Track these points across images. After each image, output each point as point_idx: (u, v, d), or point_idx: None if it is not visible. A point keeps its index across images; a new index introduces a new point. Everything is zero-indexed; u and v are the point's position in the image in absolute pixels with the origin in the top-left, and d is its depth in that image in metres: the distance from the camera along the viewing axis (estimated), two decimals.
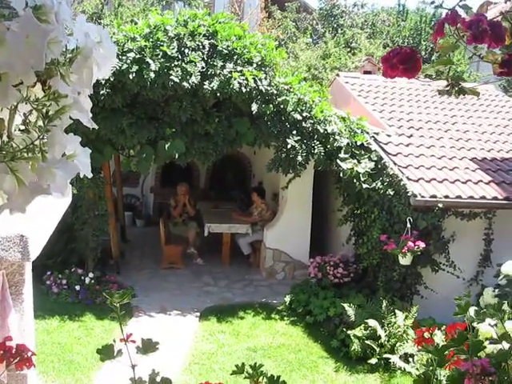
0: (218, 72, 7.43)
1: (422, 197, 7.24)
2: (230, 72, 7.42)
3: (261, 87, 7.61)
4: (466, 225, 7.64)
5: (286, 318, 8.08)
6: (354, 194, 8.29)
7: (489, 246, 7.85)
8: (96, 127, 1.08)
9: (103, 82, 7.13)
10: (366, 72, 12.71)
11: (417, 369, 6.50)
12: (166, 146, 7.63)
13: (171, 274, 9.61)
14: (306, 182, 9.26)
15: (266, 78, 7.73)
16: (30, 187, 0.93)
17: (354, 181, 8.01)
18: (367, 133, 8.56)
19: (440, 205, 7.23)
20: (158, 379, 1.46)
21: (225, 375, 6.37)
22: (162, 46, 7.27)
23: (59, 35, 0.88)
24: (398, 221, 7.53)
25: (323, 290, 8.27)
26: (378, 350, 6.76)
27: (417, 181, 7.56)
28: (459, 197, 7.38)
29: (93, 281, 8.29)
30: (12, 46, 0.84)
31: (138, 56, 7.18)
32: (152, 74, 7.11)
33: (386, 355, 6.69)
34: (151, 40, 7.33)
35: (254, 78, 7.52)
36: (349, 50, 18.34)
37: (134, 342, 1.49)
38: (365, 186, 7.94)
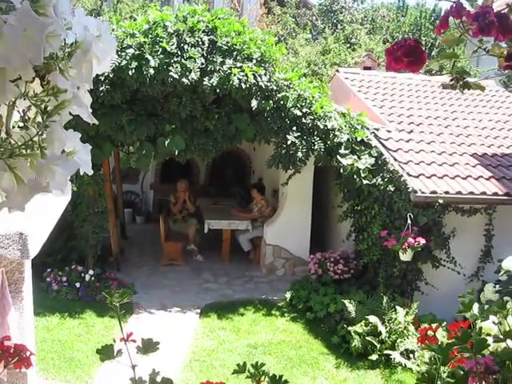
0: (217, 68, 7.40)
1: (423, 193, 7.23)
2: (230, 68, 7.40)
3: (260, 83, 7.59)
4: (467, 221, 7.63)
5: (286, 315, 8.08)
6: (355, 190, 8.28)
7: (489, 242, 7.85)
8: (96, 122, 1.06)
9: (102, 78, 7.11)
10: (365, 68, 12.69)
11: (417, 365, 6.51)
12: (166, 142, 7.62)
13: (171, 270, 9.60)
14: (306, 178, 9.24)
15: (265, 74, 7.71)
16: (28, 185, 0.90)
17: (355, 177, 8.00)
18: (367, 128, 8.54)
19: (440, 201, 7.22)
20: (159, 379, 1.45)
21: (225, 372, 6.37)
22: (162, 42, 7.25)
23: (58, 29, 0.86)
24: (398, 217, 7.52)
25: (323, 287, 8.26)
26: (378, 346, 6.76)
27: (417, 177, 7.55)
28: (459, 192, 7.37)
29: (93, 278, 8.28)
30: (9, 40, 0.81)
31: (137, 52, 7.16)
32: (151, 71, 7.09)
33: (386, 351, 6.69)
34: (150, 36, 7.30)
35: (253, 74, 7.49)
36: (348, 45, 18.29)
37: (134, 341, 1.47)
38: (365, 181, 7.93)
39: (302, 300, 8.12)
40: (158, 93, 7.44)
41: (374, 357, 6.68)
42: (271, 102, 7.78)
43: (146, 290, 8.63)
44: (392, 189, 7.60)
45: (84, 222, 8.46)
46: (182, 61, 7.28)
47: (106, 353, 1.43)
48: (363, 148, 8.28)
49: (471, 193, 7.39)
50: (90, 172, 1.02)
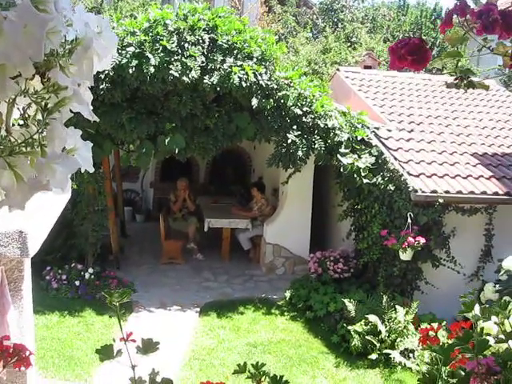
0: (217, 66, 7.39)
1: (423, 192, 7.22)
2: (230, 66, 7.39)
3: (261, 82, 7.57)
4: (467, 220, 7.62)
5: (286, 314, 8.07)
6: (355, 189, 8.27)
7: (489, 242, 7.84)
8: (97, 119, 1.05)
9: (103, 76, 7.10)
10: (366, 67, 12.67)
11: (417, 364, 6.51)
12: (166, 140, 7.61)
13: (171, 269, 9.60)
14: (307, 177, 9.23)
15: (266, 73, 7.69)
16: (28, 183, 0.89)
17: (355, 176, 7.99)
18: (368, 127, 8.53)
19: (441, 200, 7.21)
20: (159, 379, 1.44)
21: (225, 371, 6.36)
22: (162, 40, 7.23)
23: (58, 25, 0.85)
24: (398, 216, 7.51)
25: (323, 286, 8.26)
26: (378, 345, 6.75)
27: (417, 176, 7.54)
28: (460, 192, 7.36)
29: (92, 276, 8.27)
30: (9, 36, 0.80)
31: (137, 50, 7.14)
32: (152, 69, 7.07)
33: (386, 351, 6.69)
34: (151, 34, 7.29)
35: (254, 73, 7.48)
36: (349, 44, 18.28)
37: (134, 341, 1.47)
38: (365, 181, 7.92)
39: (302, 299, 8.11)
40: (159, 91, 7.43)
41: (373, 356, 6.67)
42: (271, 100, 7.77)
43: (146, 288, 8.63)
44: (392, 188, 7.59)
45: (84, 220, 8.46)
46: (183, 59, 7.27)
47: (106, 353, 1.42)
48: (363, 147, 8.27)
49: (472, 192, 7.39)
50: (91, 169, 1.01)
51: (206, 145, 7.92)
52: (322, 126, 8.09)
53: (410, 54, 1.37)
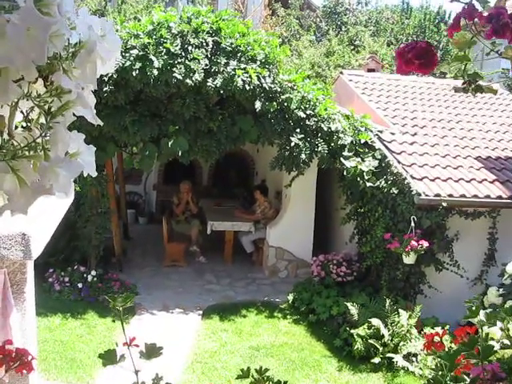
0: (221, 69, 7.39)
1: (426, 195, 7.20)
2: (234, 69, 7.39)
3: (264, 85, 7.57)
4: (470, 224, 7.60)
5: (288, 317, 8.06)
6: (358, 192, 8.26)
7: (493, 245, 7.82)
8: (101, 123, 1.04)
9: (106, 79, 7.11)
10: (369, 70, 12.66)
11: (420, 368, 6.48)
12: (169, 143, 7.61)
13: (174, 271, 9.59)
14: (310, 180, 9.22)
15: (269, 76, 7.69)
16: (31, 187, 0.89)
17: (358, 179, 7.98)
18: (371, 131, 8.52)
19: (444, 204, 7.19)
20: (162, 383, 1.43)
21: (227, 374, 6.35)
22: (166, 43, 7.24)
23: (62, 28, 0.84)
24: (401, 219, 7.49)
25: (326, 289, 8.24)
26: (381, 349, 6.73)
27: (421, 179, 7.52)
28: (463, 196, 7.34)
29: (95, 278, 8.27)
30: (12, 39, 0.80)
31: (141, 53, 7.15)
32: (155, 71, 7.07)
33: (389, 354, 6.66)
34: (154, 37, 7.30)
35: (257, 76, 7.48)
36: (352, 47, 18.29)
37: (137, 346, 1.46)
38: (368, 184, 7.90)
39: (305, 302, 8.10)
40: (162, 94, 7.43)
41: (376, 360, 6.65)
42: (275, 103, 7.77)
43: (149, 290, 8.62)
44: (395, 191, 7.57)
45: (87, 223, 8.46)
46: (186, 62, 7.27)
47: (109, 358, 1.42)
48: (367, 150, 8.26)
49: (475, 196, 7.37)
50: (94, 174, 1.00)
51: (209, 147, 7.92)
52: (325, 129, 8.08)
53: (418, 57, 1.36)
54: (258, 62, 7.63)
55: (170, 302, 8.24)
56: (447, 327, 6.98)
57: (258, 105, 7.62)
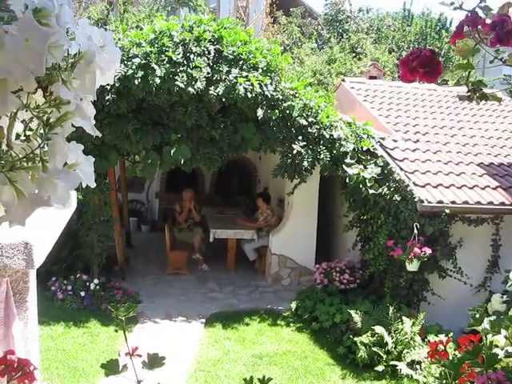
0: (223, 77, 7.41)
1: (429, 202, 7.19)
2: (236, 77, 7.40)
3: (266, 92, 7.59)
4: (473, 230, 7.58)
5: (291, 325, 8.03)
6: (360, 199, 8.25)
7: (496, 252, 7.79)
8: (99, 135, 1.03)
9: (108, 87, 7.12)
10: (371, 77, 12.67)
11: (424, 376, 6.45)
12: (172, 151, 7.62)
13: (176, 279, 9.58)
14: (312, 187, 9.22)
15: (271, 84, 7.71)
16: (29, 199, 0.88)
17: (360, 186, 7.97)
18: (373, 138, 8.52)
19: (447, 210, 7.18)
20: None
21: (230, 382, 6.32)
22: (168, 51, 7.26)
23: (60, 39, 0.84)
24: (404, 226, 7.48)
25: (329, 297, 8.21)
26: (384, 356, 6.70)
27: (423, 186, 7.51)
28: (466, 202, 7.32)
29: (98, 287, 8.26)
30: (11, 50, 0.79)
31: (143, 61, 7.17)
32: (157, 80, 7.10)
33: (392, 362, 6.63)
34: (157, 45, 7.32)
35: (259, 84, 7.49)
36: (354, 55, 18.31)
37: (139, 356, 1.45)
38: (371, 191, 7.90)
39: (308, 310, 8.07)
40: (164, 102, 7.45)
41: (380, 368, 6.62)
42: (277, 111, 7.78)
43: (151, 298, 8.61)
44: (398, 198, 7.56)
45: (89, 231, 8.46)
46: (188, 70, 7.29)
47: (111, 367, 1.41)
48: (369, 157, 8.26)
49: (478, 202, 7.35)
50: (93, 184, 1.00)
51: (211, 155, 7.92)
52: (327, 136, 8.08)
53: (422, 66, 1.36)
54: (260, 70, 7.65)
55: (172, 310, 8.22)
56: (451, 334, 6.95)
57: (259, 112, 7.63)
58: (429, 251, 6.99)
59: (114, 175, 8.96)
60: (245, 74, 7.50)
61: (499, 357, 1.55)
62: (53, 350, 6.76)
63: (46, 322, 7.31)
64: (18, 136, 0.96)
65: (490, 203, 7.38)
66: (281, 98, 7.83)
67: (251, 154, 11.05)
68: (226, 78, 7.41)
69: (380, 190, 7.87)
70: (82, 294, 8.14)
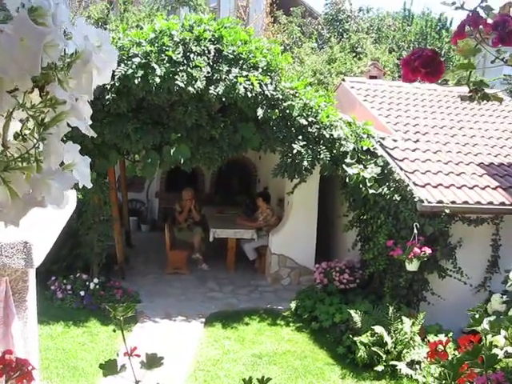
0: (223, 77, 7.40)
1: (429, 202, 7.18)
2: (236, 77, 7.40)
3: (266, 92, 7.58)
4: (473, 230, 7.58)
5: (291, 324, 8.03)
6: (360, 199, 8.24)
7: (496, 252, 7.79)
8: (95, 135, 1.03)
9: (108, 86, 7.12)
10: (371, 77, 12.67)
11: (424, 376, 6.45)
12: (172, 151, 7.61)
13: (176, 279, 9.58)
14: (312, 187, 9.21)
15: (271, 83, 7.70)
16: (23, 199, 0.87)
17: (360, 186, 7.96)
18: (373, 138, 8.52)
19: (447, 210, 7.17)
20: None
21: (230, 382, 6.32)
22: (168, 50, 7.26)
23: (56, 38, 0.84)
24: (404, 226, 7.47)
25: (329, 296, 8.21)
26: (384, 356, 6.70)
27: (423, 186, 7.51)
28: (466, 202, 7.32)
29: (98, 286, 8.26)
30: (5, 50, 0.79)
31: (143, 61, 7.16)
32: (157, 79, 7.09)
33: (392, 362, 6.63)
34: (157, 45, 7.31)
35: (259, 83, 7.49)
36: (354, 54, 18.30)
37: (138, 356, 1.45)
38: (371, 191, 7.89)
39: (308, 310, 8.07)
40: (164, 101, 7.45)
41: (379, 368, 6.62)
42: (277, 110, 7.77)
43: (151, 298, 8.60)
44: (398, 198, 7.56)
45: (89, 230, 8.45)
46: (188, 69, 7.28)
47: (110, 368, 1.40)
48: (369, 157, 8.26)
49: (478, 202, 7.35)
50: (89, 185, 0.99)
51: (211, 155, 7.92)
52: (327, 136, 8.08)
53: (424, 66, 1.35)
54: (260, 70, 7.64)
55: (172, 310, 8.22)
56: (451, 334, 6.95)
57: (259, 112, 7.62)
58: (429, 251, 6.99)
59: (113, 174, 8.96)
60: (245, 73, 7.50)
61: (499, 357, 1.55)
62: (52, 350, 6.75)
63: (46, 321, 7.31)
64: (18, 135, 0.96)
65: (490, 203, 7.38)
66: (281, 97, 7.82)
67: (251, 153, 11.05)
68: (226, 78, 7.40)
69: (380, 190, 7.87)
70: (82, 293, 8.14)
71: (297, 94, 8.01)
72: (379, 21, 22.31)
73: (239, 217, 10.63)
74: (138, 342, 1.52)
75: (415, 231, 7.17)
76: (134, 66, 7.12)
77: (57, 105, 0.90)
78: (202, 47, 7.46)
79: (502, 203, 7.41)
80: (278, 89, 7.81)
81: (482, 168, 8.33)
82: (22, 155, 0.88)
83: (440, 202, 7.21)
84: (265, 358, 6.97)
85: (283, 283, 9.54)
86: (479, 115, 10.81)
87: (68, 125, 0.96)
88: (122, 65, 7.11)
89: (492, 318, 1.82)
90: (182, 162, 7.71)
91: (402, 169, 7.90)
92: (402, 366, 6.55)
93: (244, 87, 7.37)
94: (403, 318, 7.05)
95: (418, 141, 8.99)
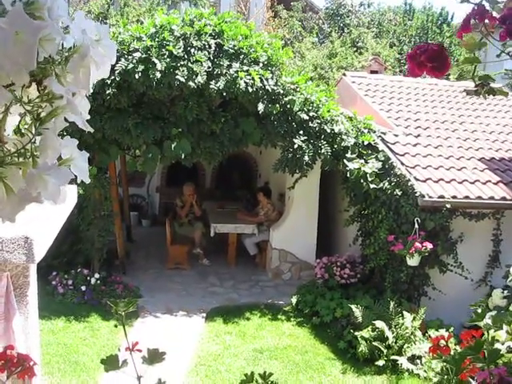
0: (224, 71, 7.38)
1: (430, 197, 7.18)
2: (237, 71, 7.38)
3: (267, 87, 7.56)
4: (474, 225, 7.57)
5: (292, 319, 8.03)
6: (361, 194, 8.23)
7: (497, 247, 7.79)
8: (92, 130, 1.02)
9: (109, 81, 7.10)
10: (372, 71, 12.66)
11: (425, 371, 6.45)
12: (172, 145, 7.60)
13: (177, 274, 9.58)
14: (313, 182, 9.21)
15: (272, 78, 7.68)
16: (19, 195, 0.86)
17: (361, 181, 7.95)
18: (374, 132, 8.50)
19: (448, 205, 7.17)
20: None
21: (231, 377, 6.33)
22: (168, 45, 7.23)
23: (53, 32, 0.82)
24: (405, 221, 7.47)
25: (330, 291, 8.21)
26: (385, 351, 6.71)
27: (424, 181, 7.50)
28: (467, 197, 7.31)
29: (99, 281, 8.26)
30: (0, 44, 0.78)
31: (143, 56, 7.14)
32: (158, 74, 7.07)
33: (393, 357, 6.64)
34: (157, 40, 7.29)
35: (260, 78, 7.47)
36: (355, 49, 18.27)
37: (139, 351, 1.44)
38: (372, 186, 7.88)
39: (308, 304, 8.07)
40: (165, 96, 7.43)
41: (380, 362, 6.62)
42: (278, 105, 7.76)
43: (152, 293, 8.61)
44: (399, 193, 7.55)
45: (90, 225, 8.45)
46: (189, 64, 7.26)
47: (111, 363, 1.40)
48: (370, 152, 8.24)
49: (479, 197, 7.34)
50: (87, 180, 0.98)
51: (212, 150, 7.91)
52: (328, 130, 8.06)
53: (430, 60, 1.34)
54: (261, 64, 7.62)
55: (173, 305, 8.23)
56: (451, 329, 6.96)
57: (260, 107, 7.61)
58: (430, 246, 6.99)
59: (114, 169, 8.95)
60: (246, 68, 7.47)
61: (501, 352, 1.54)
62: (53, 345, 6.76)
63: (47, 316, 7.32)
64: (18, 130, 0.95)
65: (491, 198, 7.37)
66: (282, 92, 7.81)
67: (252, 148, 11.03)
68: (226, 73, 7.38)
69: (381, 185, 7.86)
70: (83, 288, 8.14)
71: (298, 89, 7.99)
72: (380, 15, 22.27)
73: (240, 212, 10.63)
74: (139, 337, 1.52)
75: (416, 226, 7.17)
76: (134, 61, 7.10)
77: (54, 99, 0.89)
78: (203, 42, 7.44)
79: (503, 198, 7.40)
80: (279, 83, 7.79)
81: (483, 163, 8.31)
82: (18, 150, 0.87)
83: (441, 196, 7.20)
84: (266, 353, 6.98)
85: (284, 278, 9.54)
86: (480, 110, 10.78)
87: (66, 120, 0.94)
88: (123, 59, 7.10)
89: (493, 313, 1.81)
90: (182, 156, 7.70)
91: (403, 163, 7.88)
92: (402, 361, 6.55)
93: (245, 82, 7.35)
94: (404, 312, 7.05)
95: (419, 135, 8.97)
